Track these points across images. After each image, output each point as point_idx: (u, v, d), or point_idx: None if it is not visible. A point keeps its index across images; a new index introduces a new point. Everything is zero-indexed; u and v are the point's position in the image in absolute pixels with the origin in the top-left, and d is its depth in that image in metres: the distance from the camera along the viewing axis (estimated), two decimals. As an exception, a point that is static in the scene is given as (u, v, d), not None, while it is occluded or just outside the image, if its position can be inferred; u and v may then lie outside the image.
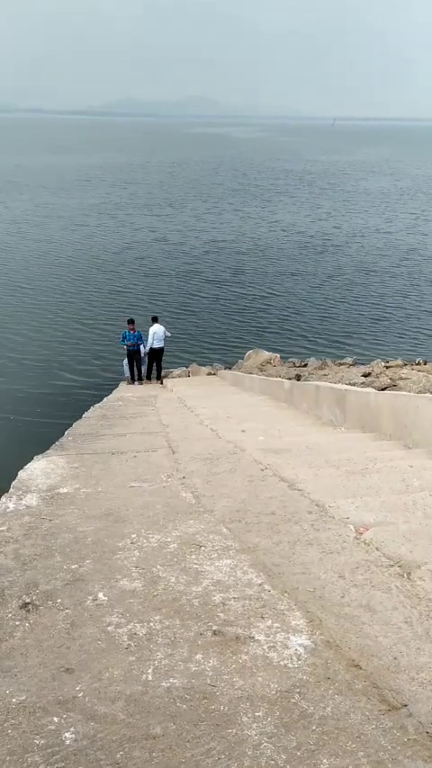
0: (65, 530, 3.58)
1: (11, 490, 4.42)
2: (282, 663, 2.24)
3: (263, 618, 2.55)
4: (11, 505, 4.06)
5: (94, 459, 5.57)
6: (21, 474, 4.90)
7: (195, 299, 22.29)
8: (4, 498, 4.21)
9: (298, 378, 12.71)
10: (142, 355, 14.17)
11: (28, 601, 2.71)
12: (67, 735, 1.87)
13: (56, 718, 1.95)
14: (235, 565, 3.07)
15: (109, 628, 2.49)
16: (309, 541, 3.40)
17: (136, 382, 14.17)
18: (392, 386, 11.34)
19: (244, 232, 33.92)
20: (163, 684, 2.12)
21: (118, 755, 1.78)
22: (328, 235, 33.40)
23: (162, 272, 25.56)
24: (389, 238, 33.00)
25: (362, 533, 3.45)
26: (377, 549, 3.23)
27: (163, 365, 14.72)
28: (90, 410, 9.97)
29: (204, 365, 15.76)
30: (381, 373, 13.11)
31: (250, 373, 13.73)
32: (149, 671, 2.19)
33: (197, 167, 71.33)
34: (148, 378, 14.52)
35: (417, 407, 6.08)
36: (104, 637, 2.42)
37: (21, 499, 4.21)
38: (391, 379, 12.29)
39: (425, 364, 14.41)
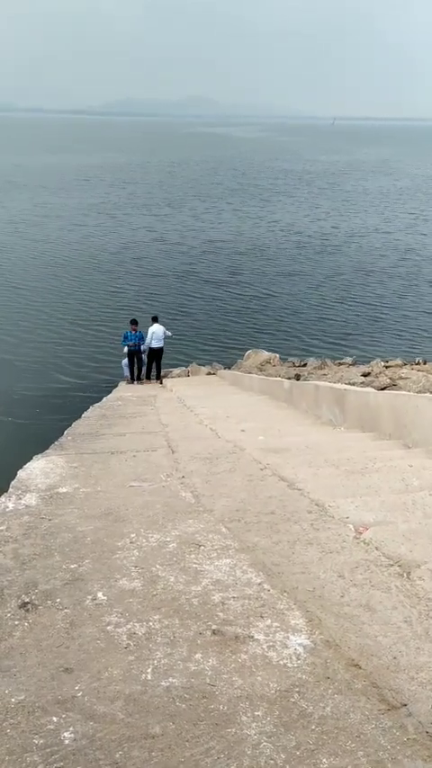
0: (64, 529, 3.58)
1: (10, 490, 4.42)
2: (281, 662, 2.24)
3: (262, 617, 2.55)
4: (10, 505, 4.06)
5: (93, 459, 5.57)
6: (20, 473, 4.90)
7: (194, 298, 22.29)
8: (3, 498, 4.21)
9: (297, 377, 12.71)
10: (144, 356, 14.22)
11: (27, 600, 2.71)
12: (66, 734, 1.87)
13: (55, 718, 1.94)
14: (234, 564, 3.07)
15: (108, 627, 2.48)
16: (308, 541, 3.40)
17: (135, 382, 14.18)
18: (392, 385, 11.34)
19: (243, 232, 33.91)
20: (162, 684, 2.11)
21: (117, 755, 1.78)
22: (328, 234, 33.41)
23: (161, 272, 25.56)
24: (388, 238, 33.01)
25: (361, 533, 3.45)
26: (377, 548, 3.23)
27: (162, 365, 14.72)
28: (89, 410, 9.96)
29: (204, 365, 15.76)
30: (380, 373, 13.11)
31: (250, 373, 13.73)
32: (149, 670, 2.19)
33: (196, 167, 71.31)
34: (148, 377, 14.52)
35: (416, 407, 6.08)
36: (104, 636, 2.42)
37: (20, 499, 4.20)
38: (390, 378, 12.29)
39: (424, 364, 14.42)
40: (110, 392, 13.04)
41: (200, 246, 30.07)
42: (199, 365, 15.72)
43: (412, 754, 1.77)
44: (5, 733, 1.88)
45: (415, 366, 14.11)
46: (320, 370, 14.18)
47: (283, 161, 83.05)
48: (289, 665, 2.22)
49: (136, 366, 14.24)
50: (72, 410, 10.75)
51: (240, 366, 15.35)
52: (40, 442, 7.00)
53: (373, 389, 8.48)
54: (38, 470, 4.99)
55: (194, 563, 3.09)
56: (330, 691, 2.07)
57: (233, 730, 1.88)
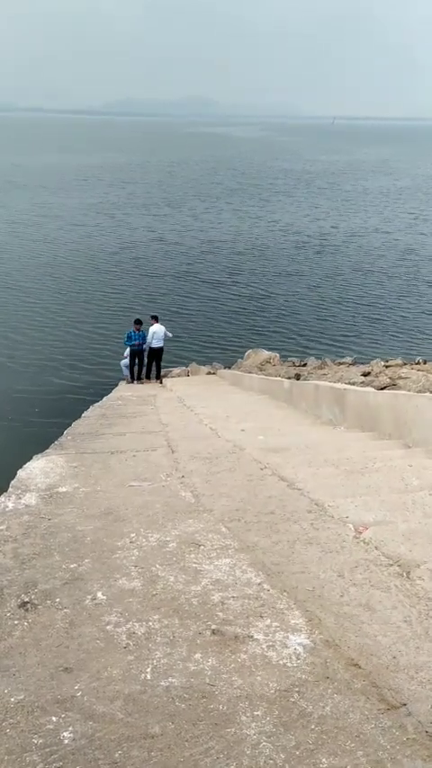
0: (64, 529, 3.58)
1: (10, 489, 4.42)
2: (281, 662, 2.24)
3: (262, 617, 2.55)
4: (10, 504, 4.06)
5: (93, 459, 5.57)
6: (20, 473, 4.90)
7: (194, 298, 22.28)
8: (3, 497, 4.21)
9: (297, 377, 12.70)
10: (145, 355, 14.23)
11: (27, 600, 2.71)
12: (65, 734, 1.87)
13: (54, 718, 1.94)
14: (234, 564, 3.07)
15: (108, 627, 2.48)
16: (308, 541, 3.40)
17: (135, 381, 14.18)
18: (392, 385, 11.33)
19: (243, 231, 33.90)
20: (162, 684, 2.11)
21: (116, 755, 1.78)
22: (328, 234, 33.40)
23: (161, 272, 25.55)
24: (388, 238, 32.99)
25: (361, 532, 3.45)
26: (376, 548, 3.23)
27: (162, 364, 14.72)
28: (89, 409, 9.96)
29: (204, 364, 15.76)
30: (380, 372, 13.10)
31: (250, 373, 13.72)
32: (148, 670, 2.19)
33: (196, 167, 71.28)
34: (148, 377, 14.52)
35: (416, 407, 6.08)
36: (103, 636, 2.42)
37: (20, 498, 4.20)
38: (390, 378, 12.28)
39: (424, 363, 14.41)
40: (110, 392, 13.04)
41: (199, 246, 30.06)
42: (199, 365, 15.72)
43: (412, 754, 1.77)
44: (5, 733, 1.88)
45: (415, 366, 14.09)
46: (320, 370, 14.18)
47: (283, 161, 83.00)
48: (288, 664, 2.22)
49: (138, 366, 14.24)
50: (72, 410, 10.74)
51: (240, 366, 15.35)
52: (40, 441, 7.00)
53: (372, 389, 8.48)
54: (38, 470, 4.99)
55: (194, 563, 3.09)
56: (330, 690, 2.07)
57: (233, 730, 1.88)
